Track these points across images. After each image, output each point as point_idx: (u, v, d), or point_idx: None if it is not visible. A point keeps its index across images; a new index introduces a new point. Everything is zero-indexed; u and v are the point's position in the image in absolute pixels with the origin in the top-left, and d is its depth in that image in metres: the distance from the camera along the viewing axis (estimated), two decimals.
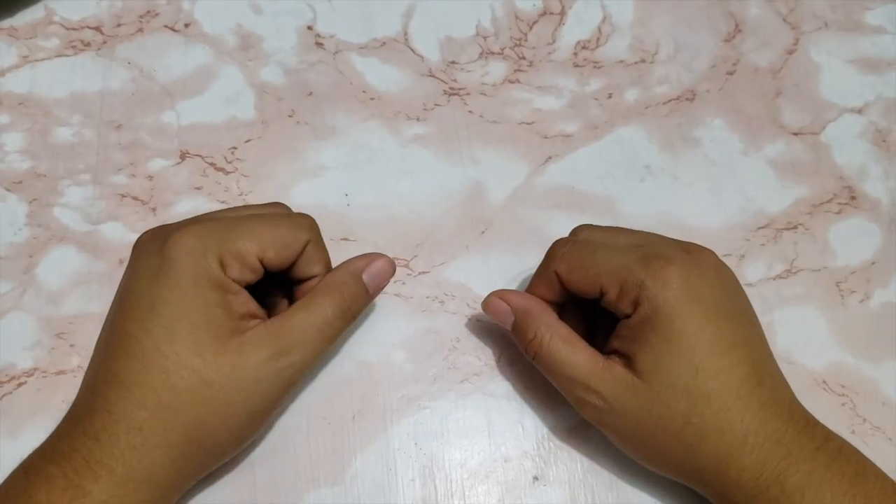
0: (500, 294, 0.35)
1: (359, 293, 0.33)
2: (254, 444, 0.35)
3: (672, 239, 0.34)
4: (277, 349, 0.30)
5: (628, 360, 0.31)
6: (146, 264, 0.30)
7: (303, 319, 0.31)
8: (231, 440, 0.31)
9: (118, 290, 0.32)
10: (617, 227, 0.36)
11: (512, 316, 0.34)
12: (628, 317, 0.31)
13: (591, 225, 0.35)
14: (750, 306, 0.33)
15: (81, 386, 0.31)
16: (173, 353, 0.29)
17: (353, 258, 0.34)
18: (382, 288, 0.35)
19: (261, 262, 0.31)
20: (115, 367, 0.29)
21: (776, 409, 0.30)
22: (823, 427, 0.31)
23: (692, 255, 0.32)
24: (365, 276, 0.33)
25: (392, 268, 0.34)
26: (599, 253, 0.32)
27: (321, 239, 0.34)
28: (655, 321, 0.30)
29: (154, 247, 0.31)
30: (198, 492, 0.33)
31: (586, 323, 0.36)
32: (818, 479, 0.29)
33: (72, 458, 0.28)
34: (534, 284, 0.35)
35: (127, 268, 0.32)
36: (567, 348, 0.32)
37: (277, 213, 0.34)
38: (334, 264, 0.34)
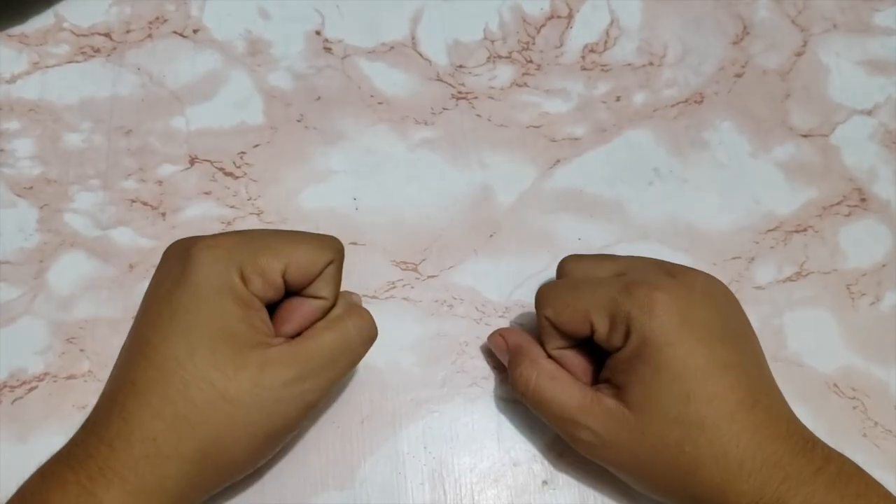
0: (500, 331, 0.35)
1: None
2: None
3: (657, 262, 0.33)
4: (302, 372, 0.29)
5: (619, 392, 0.30)
6: (169, 271, 0.30)
7: (328, 342, 0.31)
8: (246, 459, 0.30)
9: (143, 297, 0.32)
10: (601, 256, 0.35)
11: (507, 353, 0.34)
12: (620, 349, 0.30)
13: (576, 255, 0.35)
14: (746, 323, 0.32)
15: (102, 392, 0.31)
16: (191, 364, 0.28)
17: None
18: None
19: (283, 279, 0.30)
20: (133, 376, 0.29)
21: (773, 430, 0.29)
22: (823, 446, 0.30)
23: (677, 277, 0.31)
24: None
25: None
26: (582, 289, 0.32)
27: (342, 265, 0.33)
28: (645, 352, 0.29)
29: (178, 255, 0.30)
30: None
31: (596, 357, 0.34)
32: (818, 502, 0.28)
33: (87, 464, 0.27)
34: (539, 334, 0.34)
35: (153, 275, 0.32)
36: (553, 386, 0.32)
37: (305, 231, 0.33)
38: (344, 270, 0.33)
